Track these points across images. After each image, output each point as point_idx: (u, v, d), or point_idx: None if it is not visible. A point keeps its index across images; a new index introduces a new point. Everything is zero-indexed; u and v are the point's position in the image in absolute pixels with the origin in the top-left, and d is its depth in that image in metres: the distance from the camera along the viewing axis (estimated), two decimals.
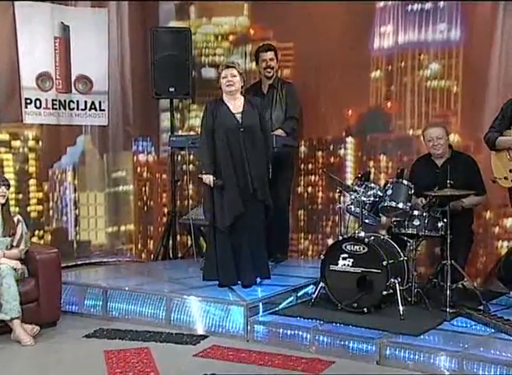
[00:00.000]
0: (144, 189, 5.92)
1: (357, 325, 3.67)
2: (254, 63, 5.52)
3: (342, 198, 4.46)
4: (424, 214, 4.02)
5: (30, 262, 4.05)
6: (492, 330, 3.56)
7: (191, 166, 5.24)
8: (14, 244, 4.05)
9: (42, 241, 5.41)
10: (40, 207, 5.48)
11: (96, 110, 5.66)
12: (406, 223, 4.06)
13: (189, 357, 3.60)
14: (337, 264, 3.99)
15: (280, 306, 4.10)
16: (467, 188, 4.01)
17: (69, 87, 5.55)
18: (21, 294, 3.83)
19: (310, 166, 5.38)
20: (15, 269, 3.89)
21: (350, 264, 3.95)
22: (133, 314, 4.22)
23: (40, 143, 5.45)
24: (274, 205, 5.15)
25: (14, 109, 5.29)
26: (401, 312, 3.75)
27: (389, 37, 4.96)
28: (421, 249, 4.44)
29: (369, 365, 3.42)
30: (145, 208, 5.91)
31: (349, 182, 4.83)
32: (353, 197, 4.21)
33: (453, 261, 3.87)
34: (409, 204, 4.04)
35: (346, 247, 3.98)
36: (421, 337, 3.50)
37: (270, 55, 5.03)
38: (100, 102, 5.67)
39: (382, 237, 4.20)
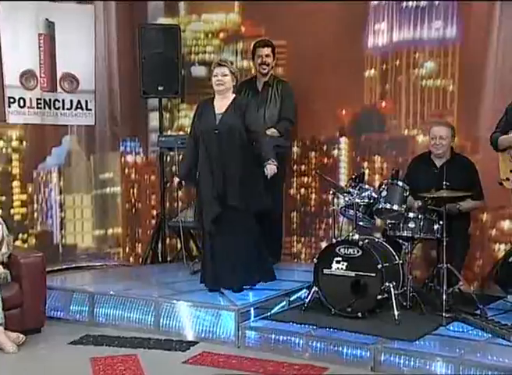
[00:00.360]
0: (132, 191, 5.90)
1: (351, 330, 3.67)
2: (245, 61, 5.53)
3: (335, 199, 4.47)
4: (420, 216, 4.03)
5: (13, 267, 4.02)
6: (490, 336, 3.58)
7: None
8: None
9: (26, 245, 5.37)
10: (24, 209, 5.45)
11: (82, 109, 5.64)
12: (401, 225, 4.07)
13: (178, 364, 3.59)
14: (331, 268, 3.99)
15: (272, 311, 4.10)
16: (465, 191, 4.02)
17: (54, 86, 5.52)
18: (4, 299, 3.81)
19: (302, 167, 5.38)
20: None
21: (344, 268, 3.95)
22: (121, 320, 4.21)
23: (25, 143, 5.42)
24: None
25: None
26: (396, 317, 3.76)
27: (384, 34, 4.98)
28: (416, 252, 4.46)
29: (364, 371, 3.42)
30: (133, 210, 5.89)
31: (343, 183, 4.84)
32: (347, 199, 4.21)
33: (449, 264, 3.89)
34: (404, 206, 4.05)
35: (339, 250, 3.99)
36: (417, 342, 3.50)
37: (266, 51, 5.03)
38: (86, 101, 5.64)
39: (376, 239, 4.21)
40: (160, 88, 5.44)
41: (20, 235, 5.38)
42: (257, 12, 5.41)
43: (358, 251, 3.93)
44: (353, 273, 3.92)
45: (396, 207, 4.03)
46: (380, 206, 4.07)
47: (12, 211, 5.34)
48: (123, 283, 4.64)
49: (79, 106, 5.61)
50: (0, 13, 5.21)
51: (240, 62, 5.53)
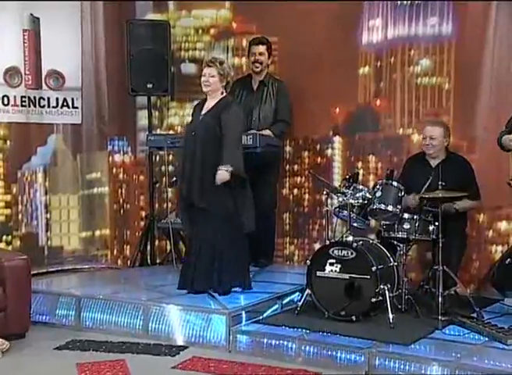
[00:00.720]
0: (120, 191, 5.88)
1: (344, 334, 3.67)
2: (236, 58, 5.53)
3: (329, 200, 4.47)
4: (415, 217, 4.04)
5: None
6: (486, 339, 3.58)
7: (170, 166, 5.22)
8: None
9: (10, 247, 5.35)
10: (8, 211, 5.42)
11: (68, 107, 5.61)
12: (396, 226, 4.07)
13: (167, 369, 3.57)
14: (324, 270, 3.99)
15: (264, 315, 4.09)
16: (461, 191, 4.04)
17: (40, 83, 5.49)
18: None
19: (295, 166, 5.39)
20: None
21: (338, 270, 3.95)
22: (108, 324, 4.18)
23: (9, 142, 5.39)
24: (259, 208, 5.16)
25: None
26: (391, 320, 3.76)
27: (378, 31, 4.99)
28: (411, 254, 4.47)
29: None
30: (121, 211, 5.88)
31: (336, 184, 4.85)
32: (340, 199, 4.22)
33: (445, 266, 3.90)
34: (399, 206, 4.06)
35: (333, 252, 3.99)
36: (412, 346, 3.51)
37: (260, 49, 5.02)
38: (73, 99, 5.62)
39: (371, 241, 4.22)
40: (149, 86, 5.44)
41: (4, 237, 5.35)
42: (248, 8, 5.41)
43: (352, 253, 3.93)
44: (347, 276, 3.92)
45: (390, 208, 4.04)
46: (374, 207, 4.08)
47: None
48: (111, 287, 4.63)
49: (65, 104, 5.59)
50: None
51: (231, 59, 5.52)
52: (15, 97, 5.37)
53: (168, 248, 5.48)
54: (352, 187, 4.19)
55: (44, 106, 5.53)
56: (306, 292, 4.05)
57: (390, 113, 5.00)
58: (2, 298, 3.92)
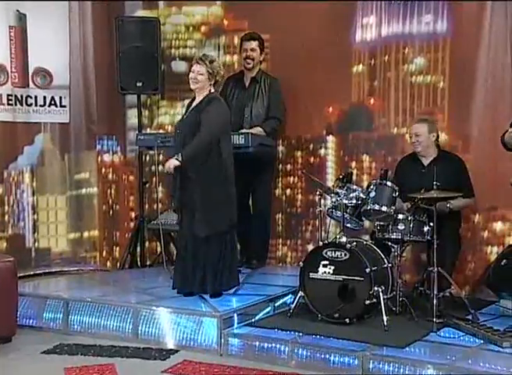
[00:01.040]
0: (109, 192, 5.87)
1: (338, 337, 3.67)
2: (228, 56, 5.53)
3: (322, 200, 4.46)
4: (410, 218, 4.06)
5: None
6: (481, 342, 3.60)
7: (160, 166, 5.21)
8: None
9: None
10: None
11: (56, 106, 5.60)
12: (390, 227, 4.09)
13: (157, 373, 3.56)
14: (317, 272, 4.00)
15: (256, 317, 4.09)
16: (455, 190, 4.06)
17: (26, 81, 5.48)
18: None
19: (288, 166, 5.39)
20: None
21: (331, 271, 3.96)
22: (97, 327, 4.17)
23: None
24: (254, 208, 5.16)
25: None
26: (385, 323, 3.77)
27: (372, 29, 5.00)
28: (406, 255, 4.47)
29: None
30: (110, 212, 5.86)
31: (330, 184, 4.85)
32: (334, 200, 4.23)
33: (439, 268, 3.91)
34: (393, 207, 4.07)
35: (326, 253, 3.99)
36: (407, 349, 3.51)
37: (252, 44, 5.02)
38: (60, 98, 5.61)
39: (364, 242, 4.23)
40: (139, 84, 5.42)
41: None
42: (240, 4, 5.41)
43: (346, 255, 3.94)
44: (340, 277, 3.93)
45: (384, 208, 4.05)
46: (368, 207, 4.09)
47: None
48: (100, 289, 4.62)
49: (52, 103, 5.57)
50: None
51: (222, 56, 5.52)
52: (1, 95, 5.35)
53: (159, 249, 5.46)
54: (345, 188, 4.20)
55: (31, 105, 5.51)
56: (299, 294, 4.05)
57: (384, 112, 5.01)
58: None
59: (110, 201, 5.86)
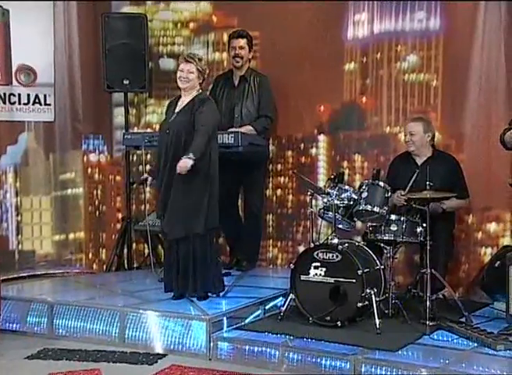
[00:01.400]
0: (95, 192, 5.86)
1: (330, 340, 3.67)
2: (217, 53, 5.52)
3: (313, 201, 4.47)
4: (402, 218, 4.07)
5: None
6: (475, 344, 3.61)
7: (148, 166, 5.20)
8: None
9: None
10: None
11: (40, 104, 5.59)
12: (382, 228, 4.09)
13: None
14: (308, 274, 4.00)
15: (246, 321, 4.09)
16: (449, 190, 4.07)
17: (10, 79, 5.46)
18: None
19: (279, 166, 5.40)
20: None
21: (323, 273, 3.96)
22: (83, 332, 4.16)
23: None
24: (246, 208, 5.14)
25: None
26: (377, 326, 3.78)
27: (364, 26, 5.01)
28: (398, 257, 4.48)
29: None
30: (97, 213, 5.85)
31: (321, 184, 4.86)
32: (325, 200, 4.23)
33: (433, 269, 3.92)
34: (386, 207, 4.08)
35: (318, 255, 4.00)
36: (399, 352, 3.52)
37: (241, 42, 5.01)
38: (45, 96, 5.60)
39: (356, 243, 4.23)
40: (125, 82, 5.41)
41: None
42: (229, 1, 5.40)
43: (337, 256, 3.94)
44: (332, 280, 3.93)
45: (377, 209, 4.06)
46: (360, 208, 4.10)
47: None
48: (86, 292, 4.60)
49: (36, 101, 5.56)
50: None
51: (211, 54, 5.52)
52: None
53: (146, 251, 5.45)
54: (337, 188, 4.20)
55: (14, 103, 5.49)
56: (290, 297, 4.05)
57: (377, 111, 5.02)
58: None
59: (96, 202, 5.85)
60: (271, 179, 5.41)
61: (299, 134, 5.31)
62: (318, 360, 3.53)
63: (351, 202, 4.17)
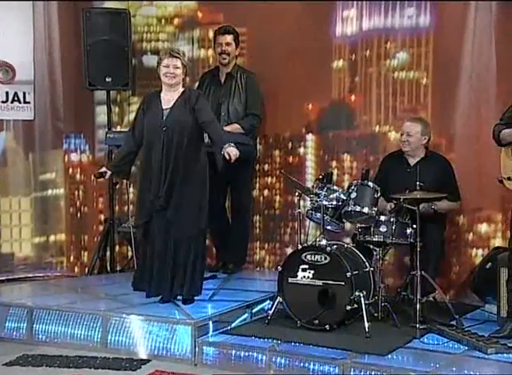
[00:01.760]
0: (76, 193, 5.84)
1: (318, 344, 3.68)
2: (202, 50, 5.52)
3: (301, 202, 4.48)
4: (392, 219, 4.08)
5: None
6: (466, 348, 3.63)
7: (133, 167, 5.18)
8: None
9: None
10: None
11: (19, 102, 5.56)
12: (372, 229, 4.11)
13: None
14: (296, 276, 4.00)
15: (233, 325, 4.08)
16: (440, 191, 4.09)
17: None
18: None
19: (266, 166, 5.40)
20: None
21: (311, 276, 3.97)
22: (64, 337, 4.14)
23: None
24: (234, 208, 5.13)
25: None
26: (367, 329, 3.78)
27: (353, 22, 5.02)
28: (388, 258, 4.51)
29: None
30: (78, 215, 5.83)
31: (309, 184, 4.87)
32: (313, 201, 4.23)
33: (423, 271, 3.94)
34: (375, 208, 4.09)
35: (306, 257, 4.00)
36: (389, 356, 3.53)
37: (227, 38, 5.01)
38: (24, 93, 5.57)
39: (345, 245, 4.24)
40: (108, 79, 5.39)
41: None
42: None
43: (326, 258, 3.95)
44: (320, 282, 3.94)
45: (366, 210, 4.07)
46: (349, 209, 4.11)
47: None
48: (67, 296, 4.57)
49: (15, 99, 5.53)
50: None
51: (196, 51, 5.51)
52: None
53: (130, 254, 5.44)
54: (326, 188, 4.21)
55: None
56: (277, 300, 4.06)
57: (366, 109, 5.04)
58: None
59: (78, 203, 5.82)
60: (258, 179, 5.41)
61: (286, 133, 5.31)
62: (306, 365, 3.54)
63: (340, 203, 4.18)
